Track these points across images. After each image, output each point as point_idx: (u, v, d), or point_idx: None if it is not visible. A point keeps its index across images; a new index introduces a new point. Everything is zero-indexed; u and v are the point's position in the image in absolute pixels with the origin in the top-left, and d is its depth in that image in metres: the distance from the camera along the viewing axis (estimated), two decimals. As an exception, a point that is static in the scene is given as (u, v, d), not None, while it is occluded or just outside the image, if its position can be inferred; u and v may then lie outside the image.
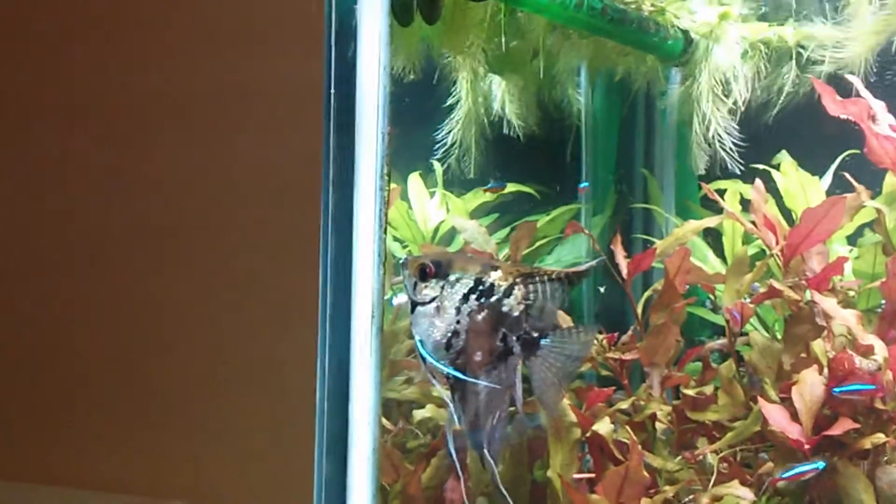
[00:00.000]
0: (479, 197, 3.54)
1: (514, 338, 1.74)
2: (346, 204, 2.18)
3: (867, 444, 2.43)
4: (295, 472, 2.35)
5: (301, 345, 2.27)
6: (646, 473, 2.55)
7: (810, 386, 2.50)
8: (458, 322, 1.74)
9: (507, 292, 1.74)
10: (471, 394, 1.78)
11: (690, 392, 2.87)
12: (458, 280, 1.75)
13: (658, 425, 2.91)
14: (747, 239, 3.18)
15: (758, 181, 2.91)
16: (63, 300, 2.71)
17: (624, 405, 2.85)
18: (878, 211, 2.77)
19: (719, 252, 3.36)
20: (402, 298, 3.26)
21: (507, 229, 3.60)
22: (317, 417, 2.28)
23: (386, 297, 2.86)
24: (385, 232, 2.18)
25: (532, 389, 1.78)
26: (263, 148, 2.40)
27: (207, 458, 2.51)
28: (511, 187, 3.59)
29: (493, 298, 1.74)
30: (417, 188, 3.53)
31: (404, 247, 3.64)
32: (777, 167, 3.05)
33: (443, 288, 1.76)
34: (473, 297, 1.74)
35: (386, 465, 2.89)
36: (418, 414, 3.03)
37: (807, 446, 2.44)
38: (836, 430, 2.43)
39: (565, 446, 2.63)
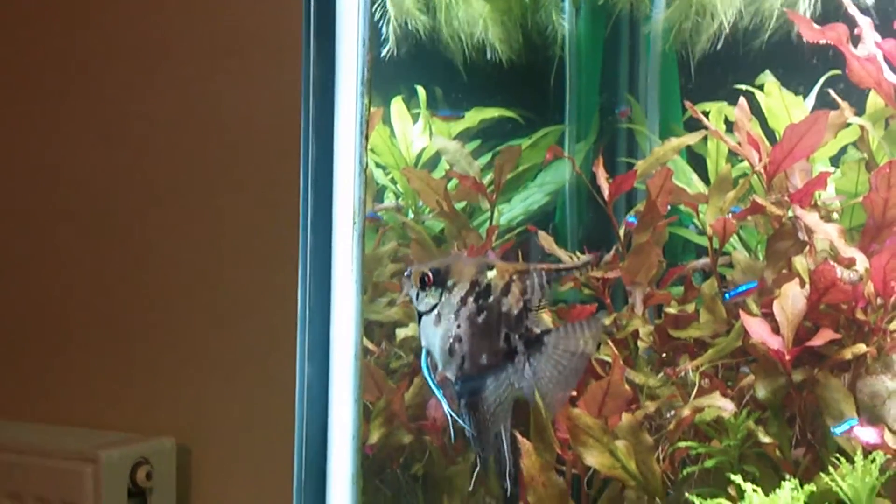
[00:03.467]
0: (465, 121, 3.52)
1: (517, 336, 1.72)
2: (327, 110, 2.17)
3: (848, 354, 2.43)
4: (277, 381, 2.36)
5: (282, 253, 2.27)
6: (627, 388, 2.56)
7: (791, 299, 2.51)
8: (458, 327, 1.72)
9: (505, 290, 1.71)
10: (479, 399, 1.76)
11: (672, 310, 2.88)
12: (455, 285, 1.72)
13: (640, 344, 2.92)
14: (731, 162, 3.17)
15: (742, 100, 2.89)
16: (51, 242, 2.69)
17: (606, 322, 2.86)
18: (862, 128, 2.76)
19: (704, 177, 3.35)
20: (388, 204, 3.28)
21: (490, 155, 3.59)
22: (298, 326, 2.28)
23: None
24: (367, 139, 2.17)
25: (538, 388, 1.74)
26: (244, 60, 2.37)
27: (193, 392, 2.52)
28: (494, 112, 3.56)
29: (491, 298, 1.71)
30: (400, 113, 3.50)
31: (387, 173, 3.62)
32: (761, 87, 3.03)
33: (441, 294, 1.73)
34: (471, 299, 1.72)
35: (369, 384, 2.89)
36: (401, 333, 3.03)
37: (787, 357, 2.45)
38: (817, 341, 2.44)
39: (548, 363, 2.63)
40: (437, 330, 1.73)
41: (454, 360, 1.72)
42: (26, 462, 2.41)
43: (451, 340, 1.72)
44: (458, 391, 1.75)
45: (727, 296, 2.71)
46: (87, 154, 2.63)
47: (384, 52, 3.40)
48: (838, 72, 2.91)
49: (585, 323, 1.73)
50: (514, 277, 1.72)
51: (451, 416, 1.78)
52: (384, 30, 3.41)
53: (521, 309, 1.71)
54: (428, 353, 1.76)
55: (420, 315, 1.76)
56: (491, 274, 1.72)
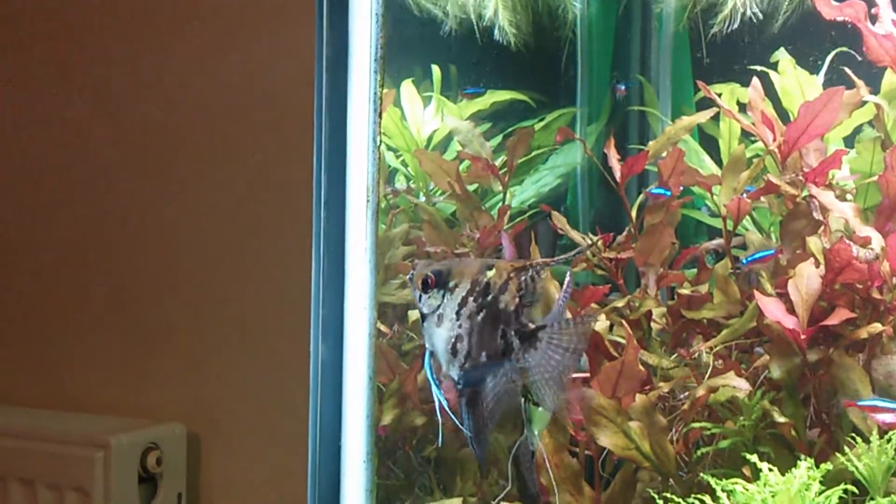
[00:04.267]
0: (476, 104, 3.50)
1: (513, 332, 1.74)
2: (340, 86, 2.15)
3: (864, 333, 2.42)
4: (290, 363, 2.35)
5: (295, 232, 2.25)
6: (641, 368, 2.55)
7: (806, 278, 2.49)
8: (459, 327, 1.75)
9: (503, 288, 1.74)
10: (478, 398, 1.77)
11: (685, 291, 2.87)
12: (456, 286, 1.75)
13: (653, 325, 2.91)
14: (744, 144, 3.15)
15: (755, 79, 2.88)
16: (60, 226, 2.68)
17: (619, 304, 2.85)
18: (878, 106, 2.74)
19: (717, 160, 3.34)
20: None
21: (501, 138, 3.57)
22: (312, 306, 2.27)
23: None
24: (380, 116, 2.16)
25: (531, 385, 1.77)
26: (257, 36, 2.36)
27: (204, 377, 2.50)
28: (506, 95, 3.55)
29: (490, 297, 1.74)
30: (410, 95, 3.49)
31: (398, 156, 3.61)
32: (775, 66, 3.01)
33: (443, 296, 1.76)
34: (471, 299, 1.74)
35: (382, 366, 2.89)
36: (413, 315, 3.02)
37: (803, 337, 2.44)
38: (833, 320, 2.43)
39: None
40: (440, 331, 1.76)
41: (457, 359, 1.75)
42: (37, 448, 2.41)
43: (453, 340, 1.75)
44: (459, 390, 1.77)
45: (744, 261, 2.72)
46: (97, 132, 2.61)
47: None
48: (844, 48, 2.90)
49: (580, 320, 1.79)
50: (512, 275, 1.74)
51: (440, 418, 1.80)
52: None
53: (517, 305, 1.74)
54: (431, 353, 1.79)
55: (423, 317, 1.78)
56: (490, 273, 1.74)
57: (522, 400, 1.89)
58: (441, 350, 1.76)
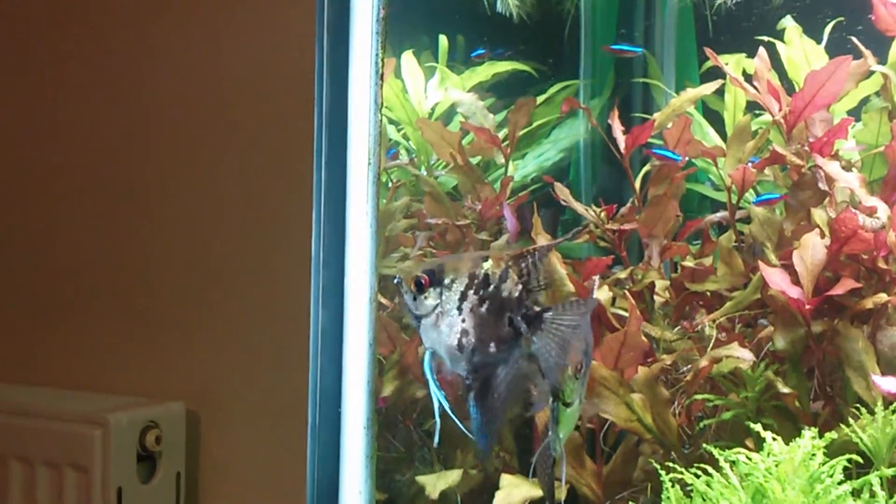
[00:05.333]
0: (478, 74, 3.47)
1: (519, 317, 1.72)
2: (341, 47, 2.12)
3: (869, 304, 2.40)
4: (289, 337, 2.32)
5: (296, 197, 2.23)
6: (644, 339, 2.53)
7: (811, 249, 2.47)
8: (463, 321, 1.71)
9: (503, 277, 1.72)
10: (489, 390, 1.75)
11: (689, 264, 2.85)
12: (452, 281, 1.73)
13: (656, 298, 2.89)
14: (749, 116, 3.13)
15: (761, 49, 2.85)
16: (59, 205, 2.66)
17: (622, 275, 2.83)
18: (885, 76, 2.71)
19: (721, 133, 3.31)
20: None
21: (504, 112, 3.54)
22: (312, 272, 2.24)
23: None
24: (382, 79, 2.13)
25: (539, 366, 1.74)
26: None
27: (204, 355, 2.48)
28: (508, 65, 3.52)
29: (492, 287, 1.72)
30: (411, 66, 3.46)
31: (399, 129, 3.58)
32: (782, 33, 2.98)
33: (441, 294, 1.73)
34: (471, 292, 1.72)
35: (383, 337, 2.87)
36: (415, 285, 2.99)
37: (807, 307, 2.42)
38: (838, 290, 2.40)
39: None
40: (441, 329, 1.72)
41: (464, 354, 1.71)
42: (35, 426, 2.39)
43: (458, 336, 1.71)
44: (468, 385, 1.74)
45: (753, 201, 2.73)
46: (96, 107, 2.59)
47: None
48: (852, 17, 2.88)
49: (582, 301, 1.76)
50: (510, 263, 1.73)
51: (439, 420, 1.76)
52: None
53: (521, 291, 1.72)
54: (433, 353, 1.75)
55: (418, 319, 1.74)
56: (486, 265, 1.73)
57: (551, 399, 1.89)
58: (445, 347, 1.71)
